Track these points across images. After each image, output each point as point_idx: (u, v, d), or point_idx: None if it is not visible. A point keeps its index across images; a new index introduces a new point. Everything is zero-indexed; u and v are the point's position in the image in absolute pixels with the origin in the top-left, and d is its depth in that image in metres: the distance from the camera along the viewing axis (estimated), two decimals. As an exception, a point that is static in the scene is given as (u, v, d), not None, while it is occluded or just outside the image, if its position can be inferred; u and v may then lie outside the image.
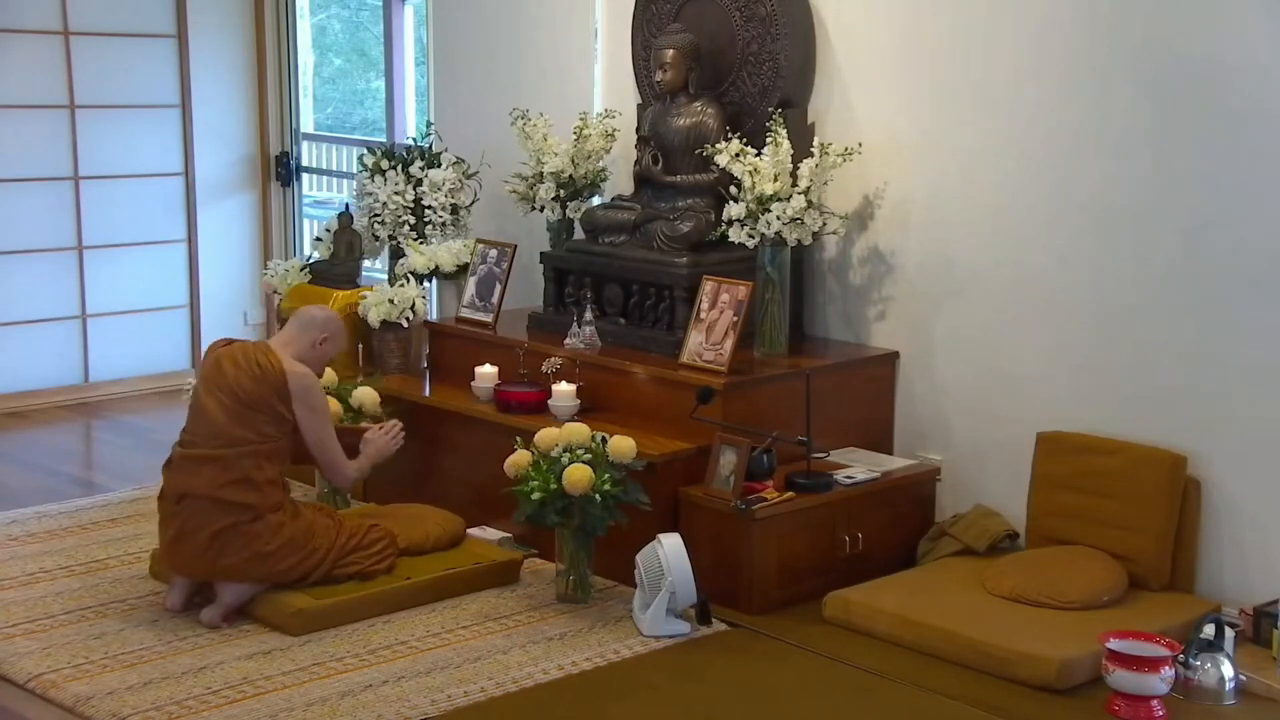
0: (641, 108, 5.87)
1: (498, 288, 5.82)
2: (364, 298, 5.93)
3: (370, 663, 4.29)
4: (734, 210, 5.20)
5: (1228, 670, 4.13)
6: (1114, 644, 4.06)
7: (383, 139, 7.72)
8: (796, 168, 5.18)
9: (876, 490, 4.99)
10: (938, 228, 5.28)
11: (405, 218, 6.27)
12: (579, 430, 4.72)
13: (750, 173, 5.15)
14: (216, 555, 4.48)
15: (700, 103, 5.56)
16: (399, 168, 6.31)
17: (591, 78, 6.33)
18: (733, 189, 5.23)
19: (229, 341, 4.73)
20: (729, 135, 5.37)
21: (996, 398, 5.17)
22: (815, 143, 5.29)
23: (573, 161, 5.90)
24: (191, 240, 7.83)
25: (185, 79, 7.70)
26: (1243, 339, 4.59)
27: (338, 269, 6.23)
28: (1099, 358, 4.91)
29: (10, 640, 4.41)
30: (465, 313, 5.90)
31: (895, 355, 5.42)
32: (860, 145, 5.25)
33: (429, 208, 6.26)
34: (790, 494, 4.78)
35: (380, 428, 5.00)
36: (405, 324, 5.87)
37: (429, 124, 6.76)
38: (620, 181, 6.02)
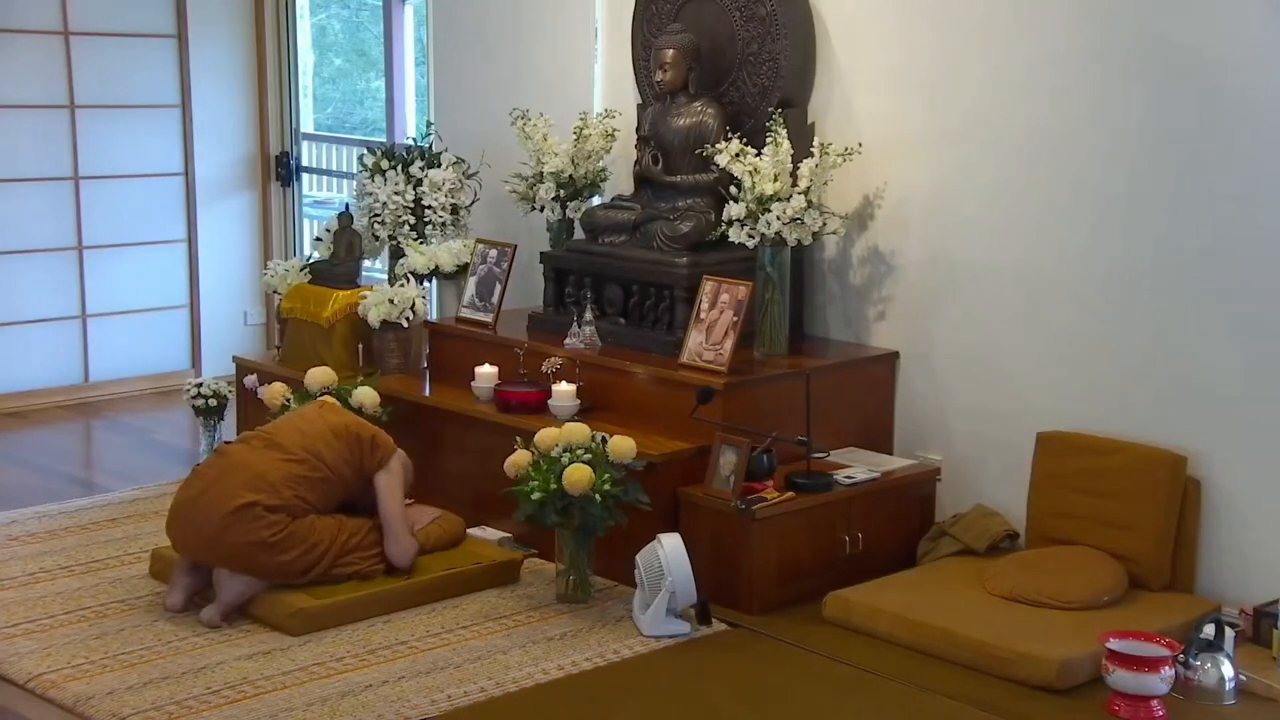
0: (641, 108, 5.87)
1: (498, 288, 5.82)
2: (364, 298, 5.93)
3: (370, 663, 4.29)
4: (734, 210, 5.20)
5: (1228, 670, 4.13)
6: (1114, 644, 4.06)
7: (383, 139, 7.72)
8: (796, 168, 5.18)
9: (876, 490, 4.99)
10: (938, 228, 5.28)
11: (405, 218, 6.26)
12: (579, 430, 4.72)
13: (750, 173, 5.15)
14: (223, 530, 4.48)
15: (700, 103, 5.56)
16: (399, 168, 6.31)
17: (591, 78, 6.33)
18: (733, 189, 5.23)
19: None
20: (729, 135, 5.37)
21: (996, 398, 5.17)
22: (815, 143, 5.29)
23: (573, 161, 5.90)
24: (191, 240, 7.82)
25: (185, 79, 7.70)
26: (1243, 338, 4.59)
27: (338, 269, 6.23)
28: (1099, 357, 4.91)
29: (10, 640, 4.41)
30: (465, 313, 5.90)
31: (895, 355, 5.42)
32: (860, 145, 5.25)
33: (429, 208, 6.26)
34: (790, 494, 4.78)
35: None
36: (405, 324, 5.86)
37: (429, 124, 6.76)
38: (620, 181, 6.01)
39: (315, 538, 4.58)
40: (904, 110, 5.33)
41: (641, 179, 5.68)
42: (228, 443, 4.86)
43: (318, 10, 9.18)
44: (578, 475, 4.56)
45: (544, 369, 5.32)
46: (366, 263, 6.51)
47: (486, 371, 5.48)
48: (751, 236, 5.20)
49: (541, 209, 5.98)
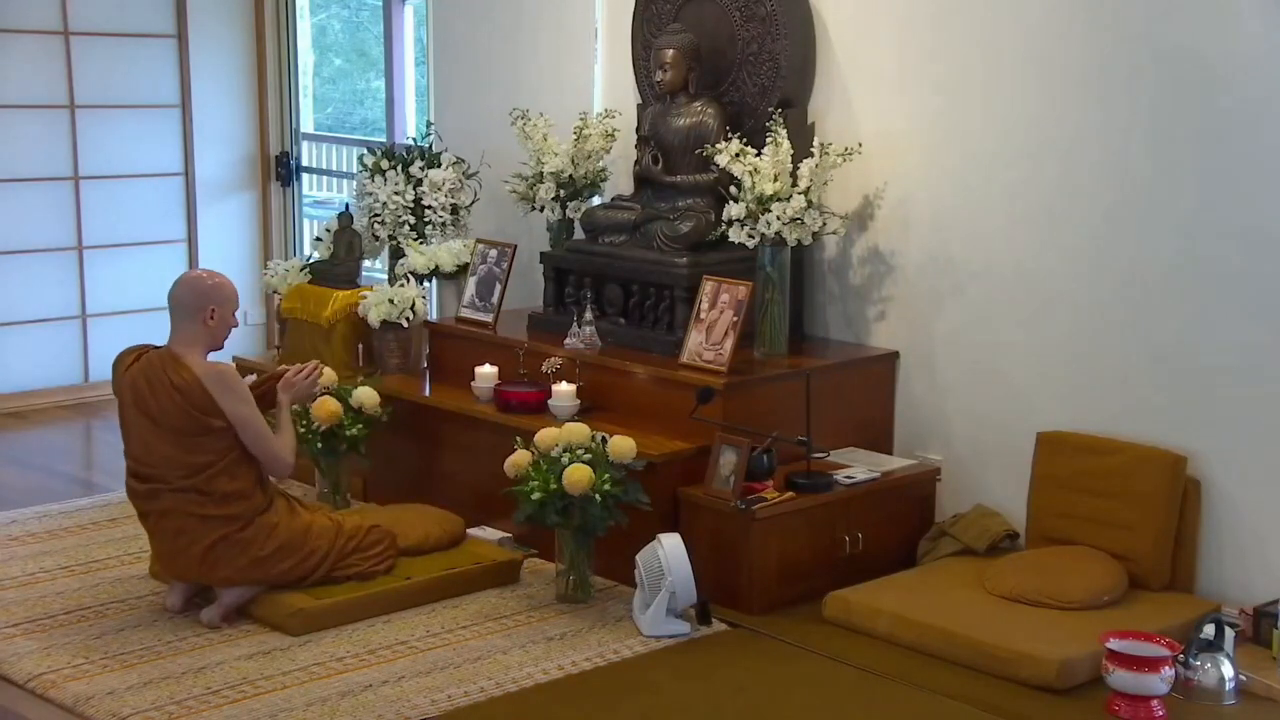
0: (641, 108, 5.87)
1: (498, 288, 5.82)
2: (364, 298, 5.93)
3: (370, 663, 4.29)
4: (734, 210, 5.20)
5: (1228, 670, 4.13)
6: (1114, 644, 4.06)
7: (383, 139, 7.72)
8: (796, 168, 5.18)
9: (876, 490, 4.99)
10: (938, 228, 5.28)
11: (405, 218, 6.27)
12: (579, 430, 4.72)
13: (750, 173, 5.15)
14: (212, 566, 4.47)
15: (700, 103, 5.56)
16: (399, 168, 6.31)
17: (591, 78, 6.33)
18: (733, 189, 5.23)
19: (138, 354, 4.54)
20: (729, 135, 5.37)
21: (996, 398, 5.17)
22: (815, 143, 5.29)
23: (573, 161, 5.90)
24: (191, 240, 7.83)
25: (185, 79, 7.71)
26: (1243, 338, 4.59)
27: (338, 269, 6.23)
28: (1099, 357, 4.91)
29: (10, 640, 4.41)
30: (465, 313, 5.90)
31: (895, 355, 5.42)
32: (860, 145, 5.25)
33: (429, 208, 6.26)
34: (790, 494, 4.78)
35: (298, 368, 4.78)
36: (405, 324, 5.86)
37: (429, 124, 6.76)
38: (620, 181, 6.02)
39: (311, 545, 4.56)
40: (904, 110, 5.33)
41: (641, 179, 5.68)
42: (134, 492, 4.53)
43: (318, 10, 9.18)
44: (578, 475, 4.56)
45: (544, 369, 5.32)
46: (366, 263, 6.51)
47: (486, 371, 5.48)
48: (751, 236, 5.20)
49: (541, 209, 5.98)
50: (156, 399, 4.43)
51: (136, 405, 4.47)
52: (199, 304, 4.53)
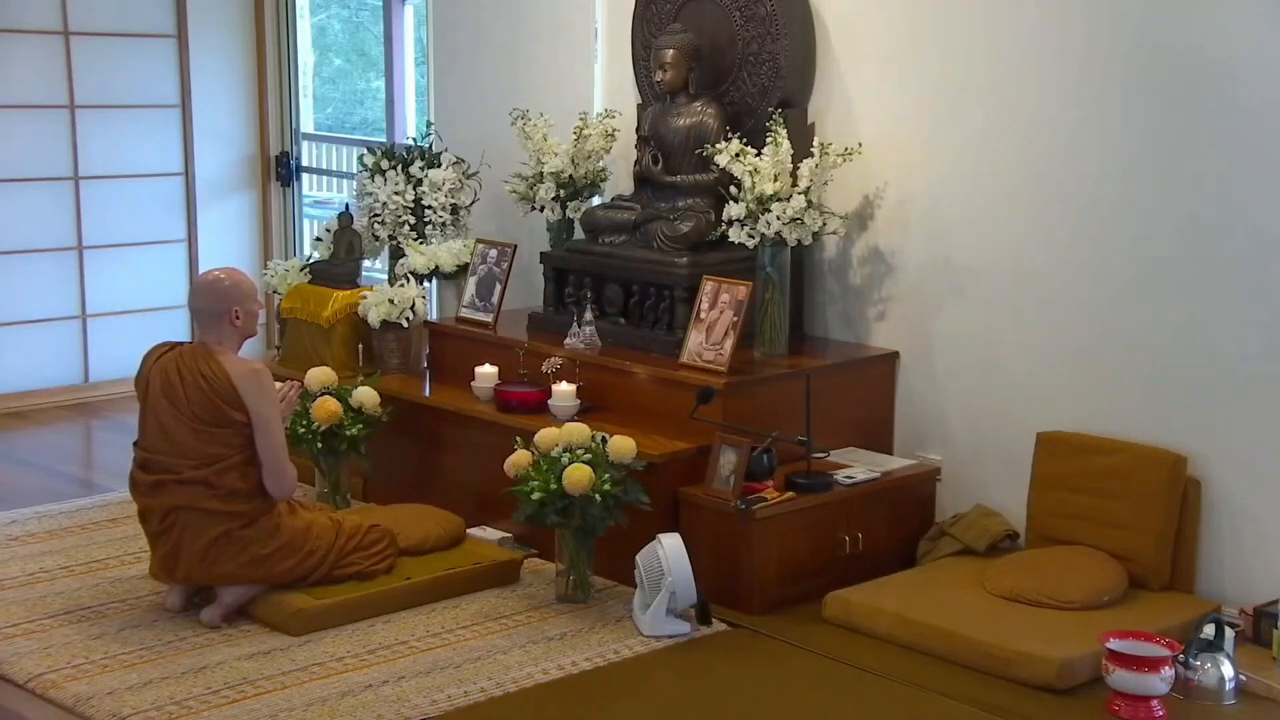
0: (641, 108, 5.87)
1: (498, 288, 5.82)
2: (364, 298, 5.93)
3: (370, 663, 4.29)
4: (734, 210, 5.20)
5: (1228, 670, 4.13)
6: (1114, 644, 4.06)
7: (383, 139, 7.72)
8: (796, 168, 5.18)
9: (876, 490, 4.99)
10: (938, 228, 5.28)
11: (405, 218, 6.27)
12: (579, 430, 4.72)
13: (750, 173, 5.16)
14: (212, 564, 4.47)
15: (700, 103, 5.56)
16: (399, 168, 6.31)
17: (591, 78, 6.33)
18: (733, 189, 5.23)
19: (171, 346, 4.60)
20: (729, 135, 5.37)
21: (996, 398, 5.17)
22: (815, 143, 5.29)
23: (573, 161, 5.90)
24: (191, 240, 7.83)
25: (185, 79, 7.71)
26: (1243, 338, 4.59)
27: (338, 269, 6.23)
28: (1099, 357, 4.91)
29: (10, 640, 4.41)
30: (465, 313, 5.90)
31: (895, 355, 5.42)
32: (860, 145, 5.25)
33: (429, 208, 6.26)
34: (790, 494, 4.78)
35: (287, 384, 4.79)
36: (405, 324, 5.86)
37: (429, 124, 6.76)
38: (620, 181, 6.02)
39: (311, 545, 4.56)
40: (904, 110, 5.33)
41: (641, 179, 5.68)
42: (139, 485, 4.55)
43: (318, 10, 9.18)
44: (578, 475, 4.56)
45: (544, 369, 5.32)
46: (366, 263, 6.51)
47: (486, 371, 5.48)
48: (751, 236, 5.20)
49: (541, 209, 5.98)
50: (184, 386, 4.48)
51: (163, 390, 4.50)
52: (221, 307, 4.57)
